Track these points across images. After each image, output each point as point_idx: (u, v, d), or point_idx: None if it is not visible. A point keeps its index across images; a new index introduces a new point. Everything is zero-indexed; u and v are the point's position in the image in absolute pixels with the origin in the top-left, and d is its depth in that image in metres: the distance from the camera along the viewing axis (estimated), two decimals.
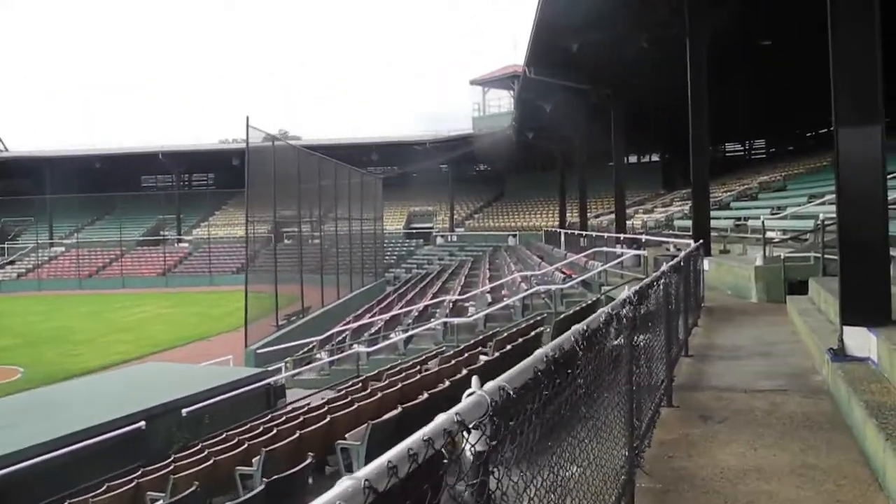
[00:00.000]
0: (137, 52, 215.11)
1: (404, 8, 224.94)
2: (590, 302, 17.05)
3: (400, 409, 8.88)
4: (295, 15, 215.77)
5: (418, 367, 13.10)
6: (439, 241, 63.41)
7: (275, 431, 9.77)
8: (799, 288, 15.02)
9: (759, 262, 15.62)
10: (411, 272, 53.75)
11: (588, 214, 48.38)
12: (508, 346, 12.66)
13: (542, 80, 32.97)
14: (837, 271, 8.20)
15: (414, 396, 9.86)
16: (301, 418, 10.55)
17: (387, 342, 20.93)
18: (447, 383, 10.08)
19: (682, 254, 11.54)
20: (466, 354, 13.66)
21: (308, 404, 13.23)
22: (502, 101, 61.85)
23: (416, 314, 23.42)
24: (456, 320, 19.71)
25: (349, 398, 11.62)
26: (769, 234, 16.65)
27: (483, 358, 12.44)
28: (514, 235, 57.01)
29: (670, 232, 29.75)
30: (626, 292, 4.54)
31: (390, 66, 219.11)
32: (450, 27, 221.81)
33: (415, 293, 33.22)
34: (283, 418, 11.55)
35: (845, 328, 7.55)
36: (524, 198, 66.56)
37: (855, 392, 6.33)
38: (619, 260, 19.53)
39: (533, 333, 12.87)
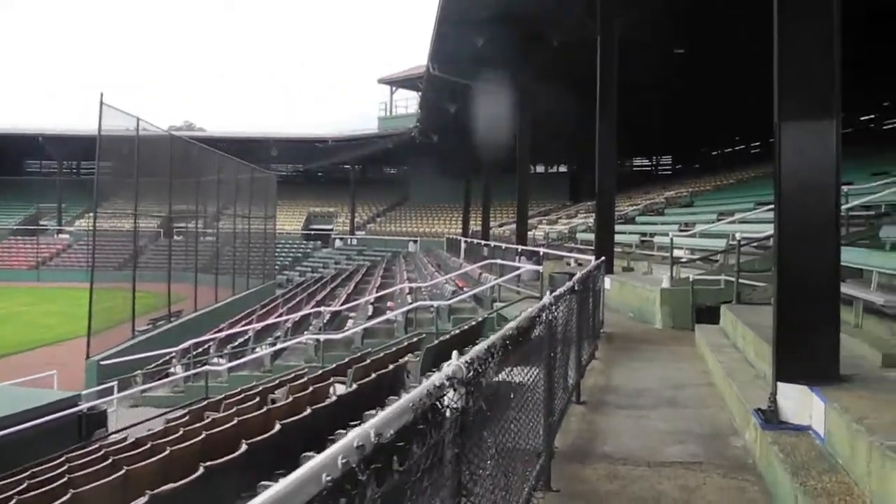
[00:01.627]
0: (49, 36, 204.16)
1: (317, 4, 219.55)
2: (478, 321, 15.12)
3: (202, 469, 6.64)
4: (209, 10, 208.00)
5: (257, 399, 10.82)
6: (338, 243, 60.83)
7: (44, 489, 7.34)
8: (708, 315, 13.46)
9: (665, 284, 13.99)
10: (305, 276, 51.10)
11: (492, 223, 46.95)
12: (373, 375, 10.55)
13: (447, 78, 31.11)
14: (771, 306, 6.43)
15: (229, 446, 7.62)
16: (92, 466, 8.17)
17: (252, 356, 18.52)
18: (277, 427, 7.90)
19: (579, 274, 9.67)
20: (329, 380, 11.48)
21: (125, 438, 10.80)
22: (410, 102, 59.75)
23: (291, 325, 21.04)
24: (326, 336, 17.46)
25: (168, 436, 9.31)
26: (677, 253, 15.08)
27: (339, 389, 10.29)
28: (415, 241, 55.03)
29: (572, 245, 28.26)
30: (452, 364, 2.50)
31: (304, 63, 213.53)
32: (364, 23, 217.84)
33: (300, 299, 30.75)
34: (80, 461, 9.11)
35: (780, 385, 5.73)
36: (429, 203, 64.67)
37: (802, 488, 4.46)
38: (514, 274, 17.70)
39: (401, 361, 10.77)
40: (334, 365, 14.09)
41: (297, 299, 31.20)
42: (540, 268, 16.38)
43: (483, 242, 30.32)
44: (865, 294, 7.32)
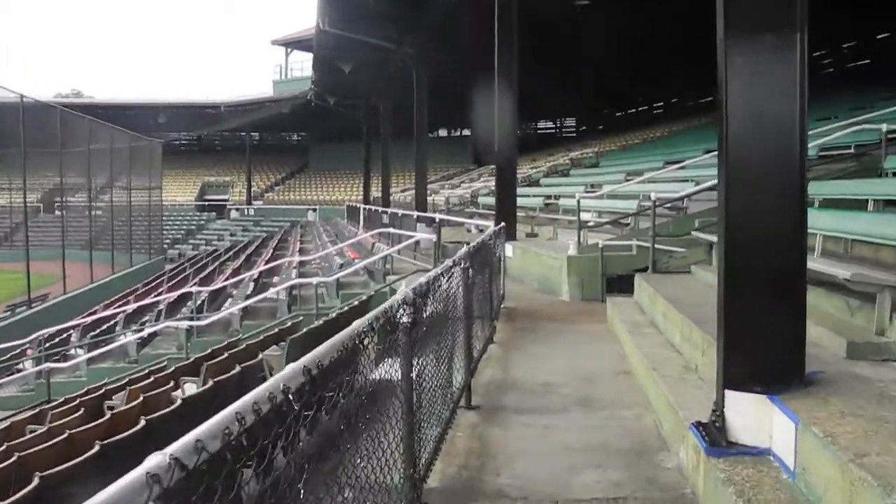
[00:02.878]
0: None
1: None
2: (364, 298, 13.43)
3: None
4: None
5: (95, 403, 8.89)
6: (234, 214, 57.91)
7: None
8: (619, 285, 12.17)
9: (572, 251, 12.60)
10: (198, 249, 48.25)
11: (394, 189, 45.13)
12: (237, 368, 8.73)
13: (339, 34, 28.89)
14: (690, 274, 4.97)
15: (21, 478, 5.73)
16: None
17: (115, 345, 16.34)
18: (95, 447, 6.06)
19: (474, 242, 8.08)
20: (177, 380, 9.60)
21: None
22: (306, 65, 56.75)
23: (166, 307, 18.85)
24: (192, 323, 15.46)
25: None
26: (584, 217, 13.70)
27: (188, 390, 8.47)
28: (314, 210, 52.81)
29: (473, 210, 26.78)
30: None
31: (198, 27, 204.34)
32: None
33: (186, 276, 28.38)
34: None
35: (729, 394, 4.24)
36: (329, 170, 62.28)
37: None
38: (406, 243, 16.01)
39: (261, 356, 8.96)
40: (209, 350, 12.16)
41: (183, 276, 28.83)
42: (433, 237, 14.79)
43: (381, 210, 28.56)
44: (823, 266, 5.94)
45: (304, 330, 9.27)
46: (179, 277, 28.56)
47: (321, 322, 10.71)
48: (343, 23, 27.93)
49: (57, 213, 42.11)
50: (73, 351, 16.69)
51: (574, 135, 58.72)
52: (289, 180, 64.52)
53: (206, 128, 60.37)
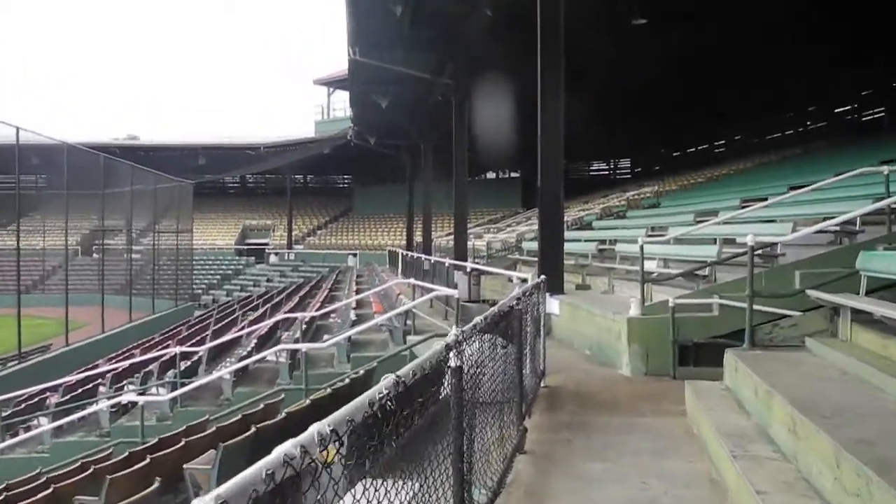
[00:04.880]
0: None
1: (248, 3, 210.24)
2: (373, 365, 10.73)
3: None
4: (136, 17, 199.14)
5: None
6: (273, 259, 55.81)
7: None
8: (697, 355, 9.31)
9: (634, 312, 9.73)
10: (232, 295, 46.12)
11: (440, 233, 42.60)
12: (153, 485, 6.07)
13: (373, 64, 26.67)
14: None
15: None
16: None
17: (84, 413, 13.81)
18: None
19: (489, 313, 5.31)
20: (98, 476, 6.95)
21: None
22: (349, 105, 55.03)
23: (159, 366, 16.25)
24: (172, 394, 12.84)
25: None
26: (647, 266, 10.82)
27: None
28: (355, 255, 50.49)
29: (517, 256, 23.93)
30: None
31: (242, 70, 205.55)
32: (296, 20, 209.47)
33: (205, 326, 25.98)
34: None
35: None
36: (373, 213, 60.08)
37: None
38: (423, 299, 13.24)
39: (190, 466, 6.27)
40: (156, 439, 9.49)
41: (204, 325, 26.46)
42: (455, 292, 12.01)
43: (419, 255, 25.94)
44: None
45: (253, 429, 6.55)
46: (199, 327, 26.20)
47: (303, 405, 8.04)
48: (376, 51, 25.76)
49: (95, 255, 40.70)
50: (35, 421, 14.25)
51: (629, 176, 55.73)
52: (332, 224, 62.49)
53: (246, 169, 58.81)
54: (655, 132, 43.04)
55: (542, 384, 8.72)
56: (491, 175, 61.04)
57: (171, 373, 14.71)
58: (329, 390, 8.21)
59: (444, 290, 12.68)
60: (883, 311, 5.61)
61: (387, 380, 2.43)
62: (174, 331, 27.65)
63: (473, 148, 39.38)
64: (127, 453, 7.95)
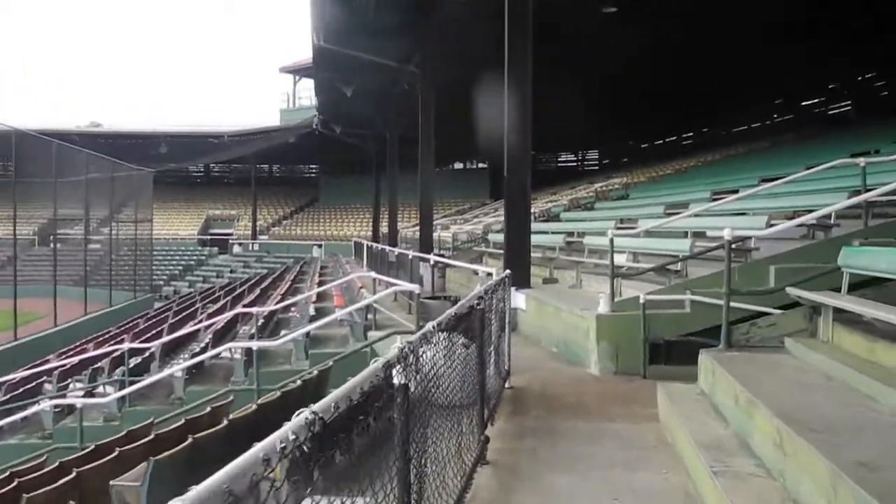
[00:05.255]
0: None
1: None
2: (329, 364, 10.20)
3: None
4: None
5: None
6: (237, 249, 54.75)
7: None
8: (668, 353, 8.92)
9: (603, 308, 9.32)
10: (194, 286, 45.14)
11: (406, 224, 42.03)
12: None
13: (338, 50, 26.00)
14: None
15: None
16: None
17: (23, 414, 13.07)
18: None
19: (445, 316, 4.81)
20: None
21: None
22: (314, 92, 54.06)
23: (109, 363, 15.49)
24: (120, 392, 12.18)
25: None
26: (618, 259, 10.40)
27: None
28: (320, 246, 49.70)
29: (483, 249, 23.45)
30: None
31: (207, 56, 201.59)
32: (262, 6, 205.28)
33: (158, 320, 25.18)
34: None
35: None
36: (340, 204, 59.24)
37: None
38: (387, 291, 12.64)
39: (117, 483, 5.70)
40: (124, 435, 8.89)
41: (157, 319, 25.66)
42: (416, 287, 11.46)
43: (383, 247, 25.40)
44: None
45: (189, 439, 6.00)
46: (157, 320, 25.39)
47: (248, 410, 7.47)
48: (341, 38, 25.04)
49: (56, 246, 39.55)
50: None
51: (597, 167, 55.54)
52: (298, 214, 61.57)
53: (210, 158, 57.63)
54: (623, 124, 42.77)
55: (506, 385, 8.27)
56: (458, 165, 60.55)
57: (119, 370, 14.04)
58: (279, 393, 7.67)
59: (405, 286, 12.13)
60: (873, 313, 5.20)
61: (298, 418, 1.92)
62: (131, 324, 26.82)
63: (440, 138, 38.84)
64: (57, 463, 7.34)
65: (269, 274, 37.17)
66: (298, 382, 9.09)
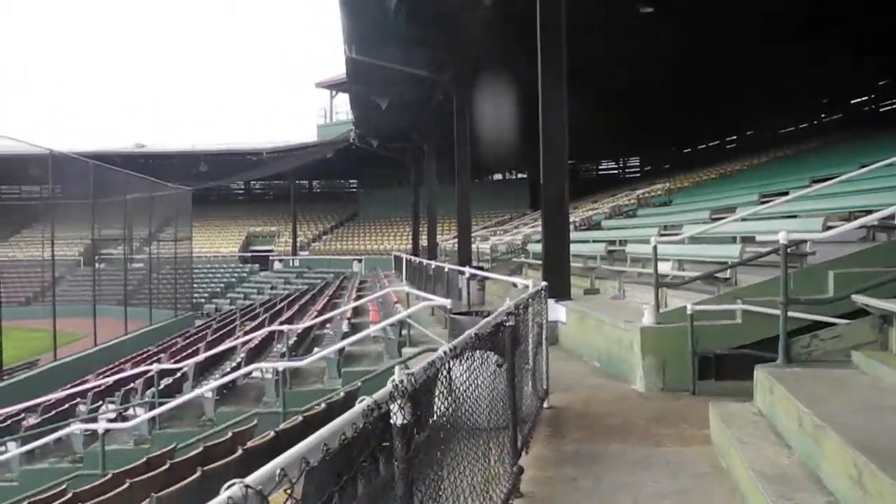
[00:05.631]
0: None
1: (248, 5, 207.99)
2: (357, 385, 9.74)
3: None
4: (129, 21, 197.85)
5: None
6: (277, 266, 54.82)
7: None
8: (719, 368, 8.31)
9: (647, 320, 8.71)
10: (235, 303, 45.15)
11: (446, 236, 41.59)
12: None
13: (371, 62, 25.70)
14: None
15: None
16: None
17: (54, 437, 12.80)
18: None
19: (477, 327, 4.33)
20: None
21: None
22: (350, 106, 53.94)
23: (143, 382, 15.26)
24: (150, 413, 11.83)
25: None
26: (662, 268, 9.78)
27: None
28: (360, 260, 49.51)
29: (522, 259, 22.89)
30: None
31: (239, 70, 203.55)
32: (298, 22, 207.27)
33: (197, 338, 25.04)
34: None
35: None
36: (379, 217, 59.11)
37: None
38: (419, 306, 12.11)
39: None
40: (143, 462, 8.52)
41: (195, 337, 25.53)
42: (447, 301, 10.94)
43: (420, 260, 24.97)
44: None
45: (199, 472, 5.55)
46: (196, 338, 25.25)
47: (266, 438, 7.02)
48: (373, 48, 24.73)
49: (99, 266, 39.86)
50: (6, 445, 13.30)
51: (638, 174, 54.53)
52: (338, 229, 61.53)
53: (249, 175, 57.84)
54: (665, 130, 41.89)
55: (544, 404, 7.71)
56: (497, 176, 60.03)
57: (150, 391, 13.74)
58: (301, 418, 7.22)
59: (437, 300, 11.61)
60: None
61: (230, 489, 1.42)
62: (170, 342, 26.73)
63: (478, 149, 38.38)
64: (70, 494, 6.98)
65: (309, 290, 36.94)
66: (323, 406, 8.62)
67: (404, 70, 25.78)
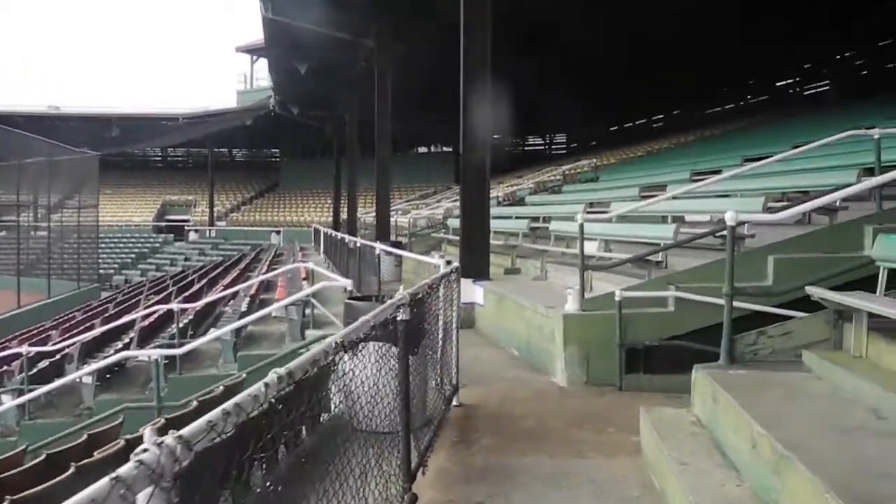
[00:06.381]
0: None
1: None
2: (237, 379, 8.65)
3: None
4: None
5: None
6: (193, 236, 52.52)
7: None
8: (648, 360, 7.53)
9: (570, 307, 7.84)
10: (146, 275, 43.01)
11: (368, 209, 40.32)
12: None
13: (289, 23, 24.28)
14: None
15: None
16: None
17: None
18: None
19: (348, 330, 3.32)
20: None
21: None
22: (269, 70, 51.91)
23: (20, 365, 13.71)
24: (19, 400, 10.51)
25: None
26: (588, 248, 8.93)
27: None
28: (278, 232, 47.87)
29: (441, 235, 21.93)
30: None
31: (159, 32, 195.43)
32: None
33: (95, 312, 23.34)
34: None
35: None
36: (301, 189, 57.29)
37: None
38: (317, 287, 10.98)
39: None
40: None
41: (94, 312, 23.82)
42: (348, 282, 9.87)
43: (334, 233, 23.79)
44: None
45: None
46: (95, 312, 23.54)
47: (117, 447, 5.88)
48: (292, 9, 23.36)
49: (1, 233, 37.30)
50: None
51: (564, 151, 54.06)
52: (257, 199, 59.49)
53: (164, 141, 55.26)
54: (592, 108, 41.41)
55: (453, 402, 6.76)
56: (423, 149, 58.88)
57: (19, 376, 12.31)
58: (164, 420, 6.11)
59: (339, 281, 10.51)
60: None
61: None
62: (68, 316, 24.92)
63: (403, 120, 37.22)
64: None
65: (224, 262, 35.34)
66: (221, 389, 7.52)
67: (324, 32, 24.44)
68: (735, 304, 6.05)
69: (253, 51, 52.38)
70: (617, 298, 7.38)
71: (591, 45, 26.41)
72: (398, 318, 4.15)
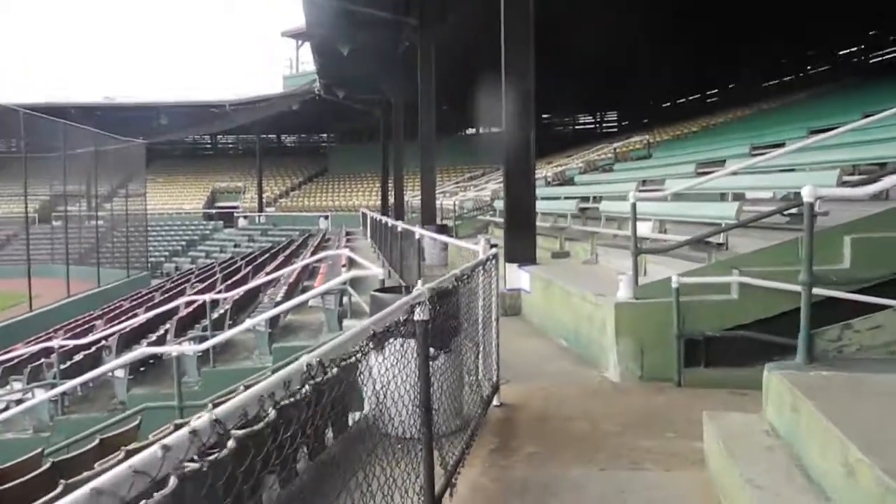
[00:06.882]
0: None
1: None
2: (265, 370, 8.03)
3: None
4: None
5: None
6: (242, 223, 52.64)
7: None
8: (709, 354, 6.81)
9: (623, 294, 7.12)
10: (196, 262, 43.18)
11: (417, 193, 39.75)
12: None
13: (331, 4, 23.74)
14: None
15: None
16: None
17: None
18: None
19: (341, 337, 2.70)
20: None
21: None
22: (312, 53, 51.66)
23: (58, 357, 13.48)
24: (50, 393, 10.16)
25: None
26: (641, 230, 8.19)
27: None
28: (326, 217, 47.65)
29: (488, 218, 21.25)
30: None
31: (204, 21, 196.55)
32: None
33: (140, 301, 23.23)
34: None
35: None
36: (349, 173, 57.05)
37: None
38: (349, 275, 10.38)
39: None
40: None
41: (140, 301, 23.72)
42: (379, 271, 9.23)
43: (379, 217, 23.25)
44: None
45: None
46: (139, 301, 23.46)
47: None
48: None
49: (55, 223, 37.73)
50: None
51: (616, 129, 52.70)
52: (306, 185, 59.43)
53: (212, 128, 55.36)
54: (643, 84, 40.15)
55: (494, 401, 6.13)
56: (471, 131, 58.07)
57: (52, 371, 12.03)
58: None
59: (371, 270, 9.91)
60: None
61: None
62: (115, 305, 24.92)
63: (451, 102, 36.48)
64: None
65: (272, 248, 35.16)
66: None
67: (366, 11, 23.81)
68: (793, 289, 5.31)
69: (298, 35, 52.14)
70: (674, 285, 6.65)
71: (645, 19, 25.37)
72: (415, 319, 3.52)
